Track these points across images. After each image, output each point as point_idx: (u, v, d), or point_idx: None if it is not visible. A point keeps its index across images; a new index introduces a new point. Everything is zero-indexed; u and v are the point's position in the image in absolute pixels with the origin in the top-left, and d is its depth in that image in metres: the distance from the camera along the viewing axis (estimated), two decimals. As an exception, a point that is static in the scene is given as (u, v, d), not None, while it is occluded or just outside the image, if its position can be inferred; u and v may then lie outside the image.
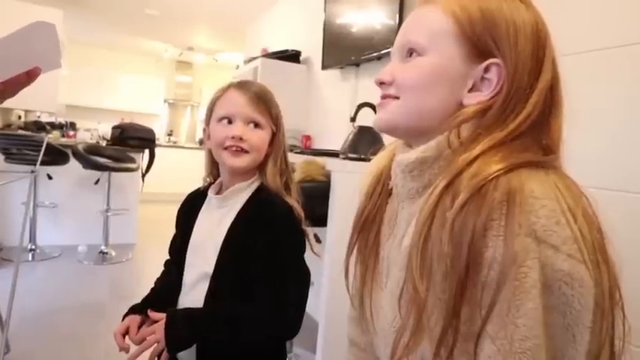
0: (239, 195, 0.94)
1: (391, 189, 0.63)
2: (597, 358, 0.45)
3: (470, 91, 0.54)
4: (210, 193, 0.98)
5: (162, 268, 1.10)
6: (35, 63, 0.67)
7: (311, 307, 1.06)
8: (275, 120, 0.92)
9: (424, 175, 0.55)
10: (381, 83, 0.59)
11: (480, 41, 0.52)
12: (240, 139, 0.88)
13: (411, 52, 0.56)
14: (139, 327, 0.94)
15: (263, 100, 0.90)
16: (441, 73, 0.54)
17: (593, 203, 0.48)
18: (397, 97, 0.57)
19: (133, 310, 0.98)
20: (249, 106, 0.89)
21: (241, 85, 0.92)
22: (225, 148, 0.89)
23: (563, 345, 0.44)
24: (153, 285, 1.07)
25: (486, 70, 0.53)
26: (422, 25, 0.56)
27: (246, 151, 0.89)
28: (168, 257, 1.08)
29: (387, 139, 1.74)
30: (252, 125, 0.89)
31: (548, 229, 0.43)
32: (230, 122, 0.90)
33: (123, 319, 0.96)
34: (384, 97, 0.59)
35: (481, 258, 0.44)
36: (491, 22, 0.52)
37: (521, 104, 0.51)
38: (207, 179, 1.02)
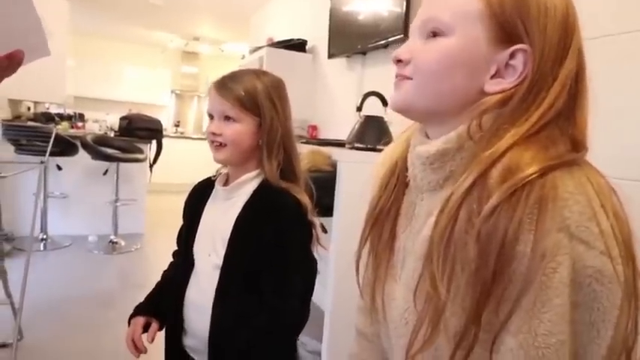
0: (245, 186, 0.94)
1: (408, 181, 0.61)
2: (619, 354, 0.44)
3: (492, 77, 0.51)
4: (217, 184, 0.99)
5: (170, 258, 1.11)
6: (15, 45, 0.57)
7: (317, 295, 1.07)
8: (259, 110, 0.92)
9: (445, 167, 0.53)
10: (398, 61, 0.56)
11: (508, 24, 0.49)
12: (214, 134, 0.92)
13: (433, 31, 0.52)
14: (144, 328, 0.98)
15: (237, 95, 0.90)
16: (463, 56, 0.51)
17: (622, 199, 0.47)
18: (411, 78, 0.54)
19: (138, 309, 1.00)
20: (223, 103, 0.91)
21: (219, 83, 0.93)
22: (211, 142, 0.94)
23: (586, 341, 0.43)
24: (160, 277, 1.08)
25: (512, 56, 0.50)
26: (447, 1, 0.52)
27: (224, 145, 0.92)
28: (175, 247, 1.09)
29: (393, 130, 1.73)
30: (230, 120, 0.91)
31: (581, 224, 0.42)
32: (212, 118, 0.94)
33: (129, 322, 0.99)
34: (398, 76, 0.56)
35: (512, 254, 0.43)
36: (522, 3, 0.49)
37: (544, 93, 0.48)
38: (220, 170, 1.03)
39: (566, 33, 0.50)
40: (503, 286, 0.43)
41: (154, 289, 1.05)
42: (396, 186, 0.63)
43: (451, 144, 0.52)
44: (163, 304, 1.00)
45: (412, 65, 0.54)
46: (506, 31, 0.50)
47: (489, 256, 0.43)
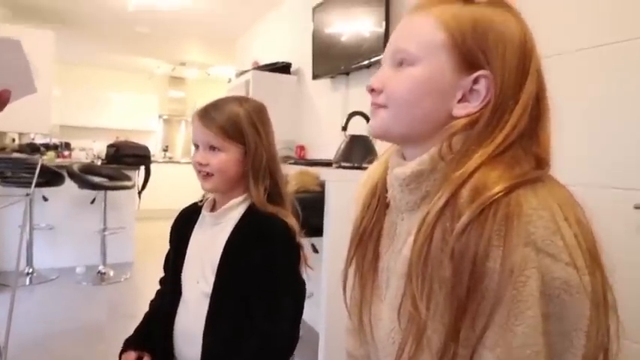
0: (233, 212, 0.95)
1: (388, 202, 0.63)
2: None
3: (459, 101, 0.54)
4: (205, 210, 0.99)
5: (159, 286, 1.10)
6: (3, 85, 0.60)
7: (311, 318, 1.06)
8: (243, 138, 0.92)
9: (421, 188, 0.56)
10: (371, 90, 0.59)
11: (470, 52, 0.53)
12: (201, 164, 0.92)
13: (401, 61, 0.56)
14: None
15: (220, 125, 0.91)
16: (431, 84, 0.54)
17: (585, 210, 0.49)
18: (386, 106, 0.57)
19: (128, 343, 0.98)
20: (207, 133, 0.92)
21: (202, 113, 0.94)
22: (198, 172, 0.94)
23: (561, 350, 0.45)
24: (148, 306, 1.06)
25: (475, 81, 0.53)
26: (413, 33, 0.56)
27: (211, 174, 0.92)
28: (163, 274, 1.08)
29: (378, 147, 1.76)
30: (215, 149, 0.92)
31: (547, 238, 0.44)
32: (197, 147, 0.95)
33: (119, 357, 0.96)
34: (373, 104, 0.59)
35: (483, 270, 0.44)
36: (481, 34, 0.52)
37: (507, 116, 0.51)
38: (206, 195, 1.03)
39: (524, 58, 0.53)
40: (477, 302, 0.45)
41: (142, 320, 1.03)
42: (377, 207, 0.65)
43: (425, 165, 0.54)
44: (153, 336, 0.98)
45: (385, 94, 0.57)
46: (468, 59, 0.53)
47: (463, 274, 0.45)
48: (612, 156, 1.15)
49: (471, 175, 0.49)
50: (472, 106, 0.53)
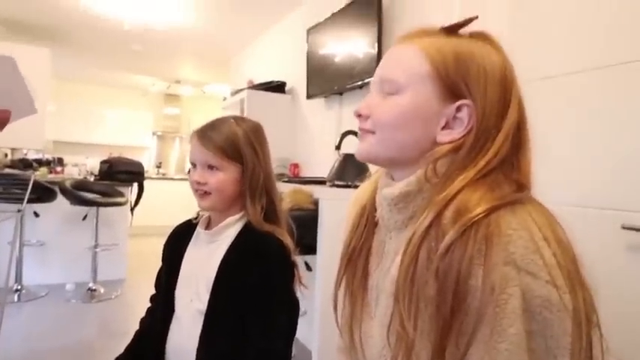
0: (228, 230, 0.95)
1: (377, 221, 0.65)
2: None
3: (443, 128, 0.57)
4: (199, 227, 0.99)
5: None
6: (2, 105, 0.60)
7: (304, 336, 1.06)
8: (241, 158, 0.94)
9: (409, 207, 0.58)
10: (359, 115, 0.62)
11: (452, 83, 0.56)
12: (199, 183, 0.93)
13: (388, 89, 0.59)
14: None
15: (219, 145, 0.92)
16: (416, 111, 0.57)
17: (566, 230, 0.51)
18: (373, 132, 0.60)
19: None
20: (206, 152, 0.93)
21: (200, 133, 0.95)
22: (195, 191, 0.95)
23: None
24: (139, 324, 1.05)
25: (458, 109, 0.56)
26: (400, 63, 0.59)
27: (209, 193, 0.93)
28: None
29: (371, 166, 1.78)
30: (213, 168, 0.93)
31: (526, 257, 0.46)
32: (195, 166, 0.96)
33: None
34: (361, 129, 0.62)
35: (466, 289, 0.46)
36: (463, 66, 0.55)
37: (489, 143, 0.54)
38: (200, 212, 1.03)
39: (505, 88, 0.56)
40: (460, 320, 0.46)
41: (133, 339, 1.03)
42: (366, 226, 0.67)
43: (412, 187, 0.57)
44: (145, 354, 0.97)
45: (372, 120, 0.60)
46: (451, 89, 0.56)
47: (447, 292, 0.47)
48: (599, 177, 1.18)
49: (453, 197, 0.51)
50: (455, 133, 0.56)
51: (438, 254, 0.48)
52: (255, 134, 0.97)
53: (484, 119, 0.54)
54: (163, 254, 1.05)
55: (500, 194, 0.50)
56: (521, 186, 0.54)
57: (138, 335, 1.03)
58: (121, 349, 1.01)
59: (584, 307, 0.47)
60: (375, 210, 0.65)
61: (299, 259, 0.98)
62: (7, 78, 0.60)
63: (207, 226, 1.00)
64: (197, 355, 0.89)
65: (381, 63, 0.62)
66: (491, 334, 0.45)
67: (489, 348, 0.45)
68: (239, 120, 0.99)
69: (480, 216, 0.48)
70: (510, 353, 0.44)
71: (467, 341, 0.46)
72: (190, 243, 1.00)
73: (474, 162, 0.53)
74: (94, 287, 3.42)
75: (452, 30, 0.59)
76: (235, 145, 0.93)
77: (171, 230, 1.09)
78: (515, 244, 0.46)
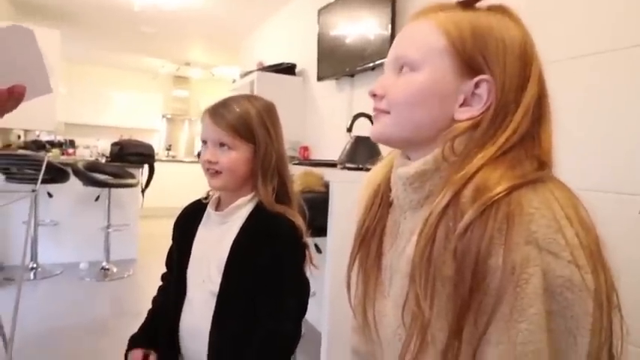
0: (240, 210, 0.95)
1: (391, 201, 0.64)
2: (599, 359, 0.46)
3: (461, 106, 0.55)
4: (210, 208, 1.00)
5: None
6: (17, 80, 0.56)
7: (314, 317, 1.07)
8: (254, 138, 0.93)
9: (425, 187, 0.57)
10: (373, 95, 0.60)
11: (470, 58, 0.54)
12: (210, 162, 0.92)
13: (403, 67, 0.57)
14: None
15: (232, 123, 0.91)
16: (432, 89, 0.55)
17: (589, 210, 0.50)
18: (388, 112, 0.58)
19: (134, 341, 0.98)
20: (218, 131, 0.91)
21: (212, 110, 0.94)
22: (206, 170, 0.94)
23: (564, 348, 0.45)
24: (151, 303, 1.06)
25: (476, 85, 0.54)
26: (415, 40, 0.57)
27: (220, 172, 0.92)
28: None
29: (383, 149, 1.77)
30: (224, 147, 0.92)
31: (548, 237, 0.45)
32: (206, 144, 0.94)
33: (125, 356, 0.96)
34: (376, 110, 0.61)
35: (485, 269, 0.45)
36: (481, 40, 0.53)
37: (508, 119, 0.52)
38: (211, 192, 1.03)
39: (525, 63, 0.54)
40: (479, 300, 0.46)
41: (147, 318, 1.03)
42: (380, 206, 0.66)
43: (428, 165, 0.56)
44: (159, 333, 0.98)
45: (387, 99, 0.58)
46: (469, 64, 0.54)
47: (465, 272, 0.46)
48: (617, 161, 1.16)
49: (473, 175, 0.50)
50: (474, 110, 0.54)
51: (456, 234, 0.47)
52: (269, 113, 0.96)
53: (503, 94, 0.53)
54: (174, 234, 1.05)
55: (521, 172, 0.49)
56: (543, 163, 0.53)
57: (151, 314, 1.04)
58: (133, 327, 1.02)
59: (605, 288, 0.46)
60: (390, 190, 0.64)
61: (310, 241, 0.98)
62: (23, 51, 0.56)
63: (218, 207, 0.99)
64: (210, 335, 0.90)
65: (395, 41, 0.60)
66: (511, 314, 0.44)
67: (509, 327, 0.44)
68: (252, 98, 0.97)
69: (501, 195, 0.47)
70: (530, 333, 0.44)
71: (486, 321, 0.45)
72: (201, 224, 1.00)
73: (493, 139, 0.52)
74: (107, 266, 3.49)
75: (469, 4, 0.57)
76: (248, 124, 0.92)
77: (180, 210, 1.09)
78: (537, 223, 0.45)
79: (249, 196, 0.95)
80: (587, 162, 1.20)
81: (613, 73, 1.18)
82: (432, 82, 0.55)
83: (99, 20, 4.56)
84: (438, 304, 0.49)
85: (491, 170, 0.49)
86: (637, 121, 1.12)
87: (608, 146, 1.18)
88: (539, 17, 1.24)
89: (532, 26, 0.57)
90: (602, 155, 1.19)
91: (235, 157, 0.92)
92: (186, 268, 0.97)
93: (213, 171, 0.92)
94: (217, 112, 0.93)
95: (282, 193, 0.96)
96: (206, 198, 1.03)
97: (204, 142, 0.95)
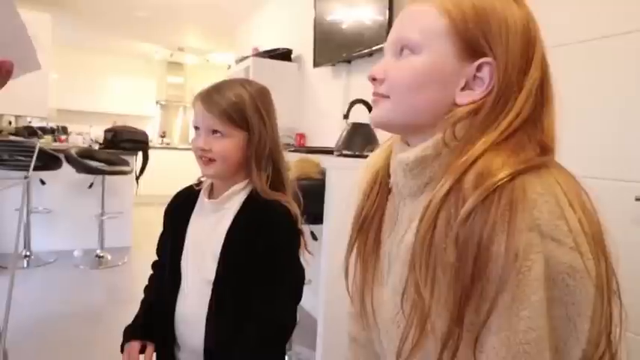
0: (234, 198, 0.93)
1: (390, 187, 0.63)
2: (597, 346, 0.46)
3: (462, 89, 0.54)
4: (203, 196, 0.98)
5: (156, 271, 1.09)
6: (3, 55, 0.53)
7: (310, 304, 1.07)
8: (248, 125, 0.90)
9: (425, 173, 0.55)
10: (373, 79, 0.59)
11: (472, 40, 0.52)
12: (203, 149, 0.90)
13: (404, 50, 0.56)
14: (141, 352, 0.94)
15: (225, 110, 0.88)
16: (433, 72, 0.54)
17: (591, 196, 0.49)
18: (388, 97, 0.57)
19: (130, 333, 0.96)
20: (210, 117, 0.89)
21: (205, 96, 0.91)
22: (199, 157, 0.92)
23: (565, 335, 0.45)
24: (143, 293, 1.05)
25: (478, 68, 0.53)
26: (415, 22, 0.55)
27: (214, 160, 0.90)
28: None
29: (380, 136, 1.76)
30: (217, 134, 0.89)
31: (551, 223, 0.44)
32: (197, 129, 0.92)
33: (122, 348, 0.94)
34: (375, 94, 0.59)
35: (487, 256, 0.44)
36: (484, 20, 0.52)
37: (511, 103, 0.51)
38: (202, 178, 1.01)
39: (528, 45, 0.52)
40: (481, 287, 0.45)
41: (140, 308, 1.02)
42: (378, 193, 0.65)
43: (429, 151, 0.55)
44: (154, 324, 0.96)
45: (387, 83, 0.57)
46: (471, 46, 0.52)
47: (467, 259, 0.45)
48: (614, 148, 1.15)
49: (475, 161, 0.49)
50: (476, 94, 0.53)
51: (458, 220, 0.46)
52: (263, 99, 0.93)
53: (505, 77, 0.51)
54: (165, 221, 1.03)
55: (524, 158, 0.48)
56: (546, 148, 0.52)
57: (145, 305, 1.02)
58: (127, 314, 1.01)
59: (605, 274, 0.46)
60: (389, 176, 0.63)
61: (305, 228, 0.96)
62: (6, 25, 0.53)
63: (211, 194, 0.98)
64: (207, 323, 0.89)
65: (394, 23, 0.59)
66: (513, 301, 0.44)
67: (510, 315, 0.44)
68: (245, 83, 0.94)
69: (504, 180, 0.46)
70: (531, 320, 0.43)
71: (488, 308, 0.45)
72: (194, 212, 0.99)
73: (495, 123, 0.51)
74: (101, 254, 3.48)
75: None
76: (241, 111, 0.89)
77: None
78: (540, 209, 0.44)
79: (242, 184, 0.94)
80: (582, 149, 1.19)
81: (611, 59, 1.16)
82: (433, 65, 0.53)
83: (91, 4, 4.47)
84: (438, 291, 0.48)
85: (493, 155, 0.48)
86: (633, 108, 1.11)
87: (605, 133, 1.17)
88: (543, 0, 1.22)
89: (535, 10, 0.56)
90: (599, 142, 1.18)
91: (229, 144, 0.89)
92: (180, 256, 0.96)
93: (206, 159, 0.90)
94: (210, 98, 0.90)
95: (277, 181, 0.94)
96: (198, 184, 1.01)
97: (197, 128, 0.92)
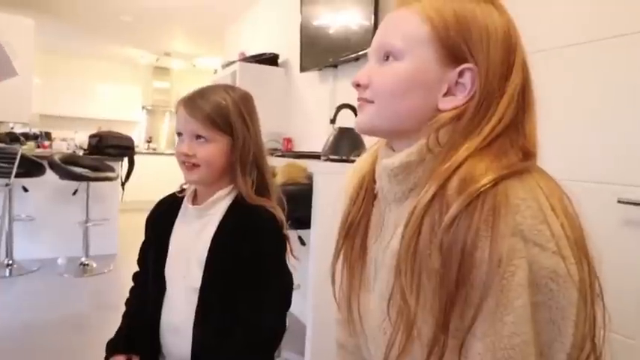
0: (218, 204, 0.93)
1: (376, 193, 0.63)
2: (581, 349, 0.47)
3: (445, 95, 0.54)
4: (187, 202, 0.97)
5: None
6: None
7: (298, 310, 1.06)
8: (232, 129, 0.90)
9: (409, 179, 0.56)
10: (357, 85, 0.59)
11: (454, 46, 0.53)
12: (186, 155, 0.89)
13: (387, 56, 0.56)
14: None
15: (208, 115, 0.88)
16: (416, 78, 0.54)
17: (573, 201, 0.50)
18: (372, 102, 0.57)
19: (114, 348, 0.94)
20: (194, 122, 0.88)
21: (188, 101, 0.90)
22: (182, 163, 0.90)
23: (549, 339, 0.45)
24: (125, 306, 1.02)
25: (460, 74, 0.53)
26: (398, 28, 0.56)
27: (197, 165, 0.89)
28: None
29: (367, 140, 1.76)
30: (201, 140, 0.89)
31: (534, 228, 0.44)
32: (180, 135, 0.91)
33: None
34: (360, 100, 0.59)
35: (471, 261, 0.45)
36: (465, 27, 0.53)
37: (493, 108, 0.52)
38: (185, 186, 1.00)
39: (509, 51, 0.53)
40: (465, 293, 0.45)
41: (123, 321, 1.00)
42: (364, 198, 0.65)
43: (413, 157, 0.55)
44: (138, 335, 0.94)
45: (371, 89, 0.57)
46: (452, 52, 0.53)
47: (452, 265, 0.45)
48: (595, 150, 1.17)
49: (458, 167, 0.49)
50: (458, 99, 0.54)
51: (442, 226, 0.47)
52: (246, 104, 0.93)
53: (487, 83, 0.52)
54: (147, 229, 1.02)
55: (507, 163, 0.49)
56: (528, 153, 0.52)
57: (127, 317, 1.00)
58: (113, 322, 0.99)
59: (588, 278, 0.46)
60: (375, 182, 0.63)
61: (292, 234, 0.96)
62: None
63: (194, 200, 0.97)
64: (193, 331, 0.88)
65: (378, 29, 0.59)
66: (497, 307, 0.44)
67: (495, 320, 0.44)
68: (228, 89, 0.94)
69: (487, 186, 0.46)
70: (516, 325, 0.44)
71: (472, 314, 0.45)
72: (177, 219, 0.98)
73: (477, 128, 0.51)
74: (86, 262, 3.42)
75: None
76: (225, 116, 0.89)
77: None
78: (523, 214, 0.44)
79: (227, 189, 0.93)
80: (564, 151, 1.21)
81: (591, 63, 1.19)
82: (416, 71, 0.54)
83: (76, 8, 4.41)
84: (423, 297, 0.49)
85: (476, 161, 0.49)
86: (615, 111, 1.13)
87: (587, 136, 1.19)
88: (525, 6, 1.24)
89: (517, 15, 0.57)
90: (580, 145, 1.20)
91: (213, 149, 0.89)
92: (164, 264, 0.95)
93: (190, 164, 0.89)
94: (193, 103, 0.89)
95: (261, 186, 0.94)
96: (180, 192, 1.00)
97: (180, 134, 0.91)
